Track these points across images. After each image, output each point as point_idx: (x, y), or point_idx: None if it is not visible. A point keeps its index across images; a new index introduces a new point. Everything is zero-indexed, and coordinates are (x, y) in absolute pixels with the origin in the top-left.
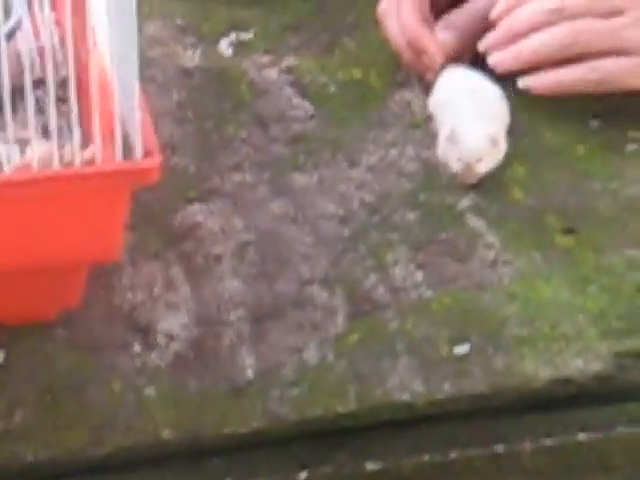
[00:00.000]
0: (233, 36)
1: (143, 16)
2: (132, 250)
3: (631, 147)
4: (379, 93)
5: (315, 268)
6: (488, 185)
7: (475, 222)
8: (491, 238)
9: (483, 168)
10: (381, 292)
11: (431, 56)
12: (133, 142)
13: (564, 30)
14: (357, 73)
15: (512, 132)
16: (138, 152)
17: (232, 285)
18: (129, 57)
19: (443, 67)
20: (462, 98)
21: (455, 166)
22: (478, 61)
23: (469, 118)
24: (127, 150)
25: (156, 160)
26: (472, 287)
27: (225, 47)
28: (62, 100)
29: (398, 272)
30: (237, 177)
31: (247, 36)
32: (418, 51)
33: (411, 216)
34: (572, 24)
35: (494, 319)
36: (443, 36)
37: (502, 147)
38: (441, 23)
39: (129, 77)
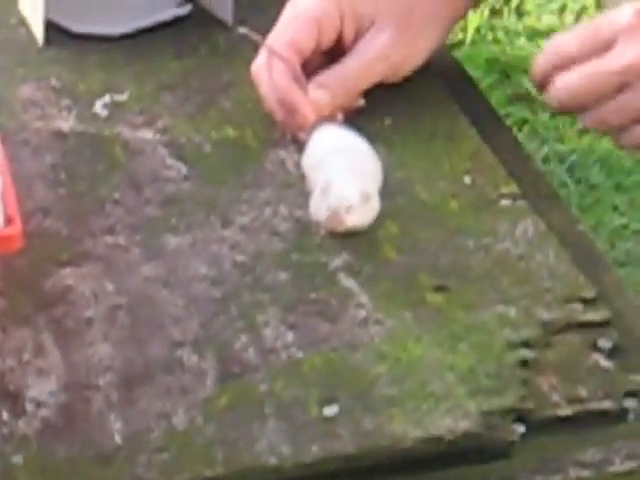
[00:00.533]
0: (108, 97)
1: (18, 78)
2: (2, 316)
3: (504, 203)
4: (254, 152)
5: (186, 331)
6: (361, 244)
7: (347, 282)
8: (363, 298)
9: (352, 220)
10: (251, 354)
11: (303, 115)
12: None
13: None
14: (232, 132)
15: (385, 191)
16: None
17: (102, 349)
18: None
19: (315, 126)
20: (334, 156)
21: (324, 215)
22: (350, 120)
23: (341, 174)
24: None
25: (17, 228)
26: (343, 347)
27: (100, 108)
28: None
29: (269, 333)
30: (109, 240)
31: (122, 97)
32: (290, 110)
33: (283, 276)
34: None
35: (364, 379)
36: (315, 95)
37: (374, 205)
38: (313, 82)
39: None
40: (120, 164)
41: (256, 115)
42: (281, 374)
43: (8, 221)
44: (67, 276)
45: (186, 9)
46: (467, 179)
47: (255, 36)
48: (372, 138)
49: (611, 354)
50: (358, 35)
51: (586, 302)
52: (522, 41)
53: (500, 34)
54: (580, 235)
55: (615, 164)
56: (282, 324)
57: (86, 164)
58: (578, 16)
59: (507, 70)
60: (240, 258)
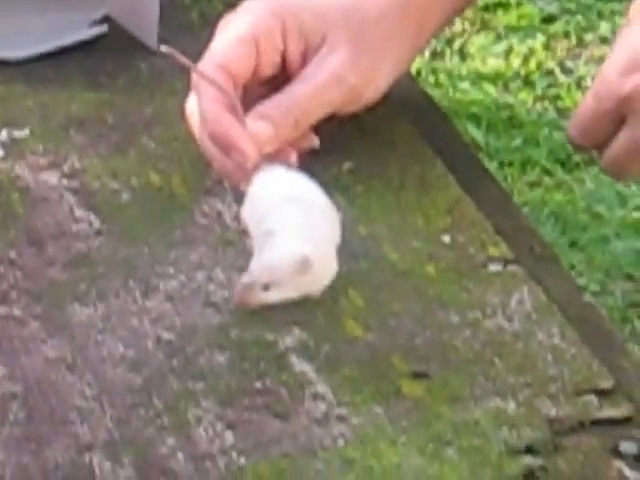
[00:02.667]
0: (4, 133)
1: None
2: None
3: (494, 267)
4: (183, 203)
5: (97, 429)
6: (317, 318)
7: (301, 366)
8: (321, 387)
9: (272, 296)
10: (180, 461)
11: (241, 152)
12: None
13: None
14: (156, 178)
15: (346, 251)
16: None
17: None
18: None
19: (257, 166)
20: (282, 207)
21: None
22: (302, 163)
23: (288, 232)
24: None
25: None
26: (297, 452)
27: None
28: None
29: (202, 433)
30: (2, 310)
31: (22, 133)
32: (225, 146)
33: (220, 359)
34: None
35: None
36: (254, 127)
37: (325, 269)
38: (253, 113)
39: None
40: (18, 215)
41: (185, 157)
42: None
43: None
44: None
45: (101, 29)
46: (446, 238)
47: (181, 58)
48: (328, 186)
49: (637, 460)
50: (306, 57)
51: (602, 394)
52: (465, 85)
53: (442, 77)
54: (587, 308)
55: (570, 219)
56: (219, 421)
57: None
58: (525, 59)
59: (450, 115)
60: (166, 335)
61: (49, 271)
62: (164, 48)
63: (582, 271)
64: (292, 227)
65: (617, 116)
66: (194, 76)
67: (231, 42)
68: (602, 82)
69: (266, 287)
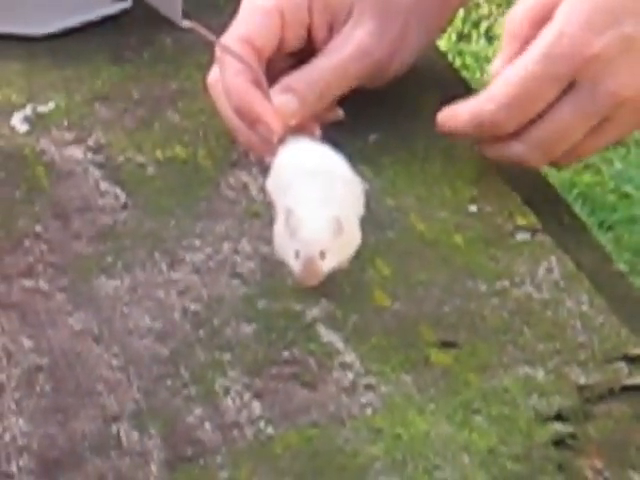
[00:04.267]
0: (29, 108)
1: None
2: None
3: (521, 236)
4: (209, 175)
5: (124, 400)
6: (345, 289)
7: (328, 336)
8: (349, 356)
9: (328, 264)
10: (208, 431)
11: (266, 125)
12: None
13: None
14: (181, 151)
15: (373, 222)
16: None
17: (16, 424)
18: None
19: (283, 140)
20: (304, 179)
21: (293, 263)
22: (327, 136)
23: (310, 204)
24: None
25: None
26: (325, 421)
27: (19, 122)
28: None
29: (230, 403)
30: (28, 284)
31: (46, 108)
32: (250, 120)
33: (247, 329)
34: None
35: (354, 464)
36: (280, 100)
37: (352, 237)
38: (278, 86)
39: None
40: (43, 189)
41: (211, 130)
42: (246, 457)
43: None
44: None
45: (126, 4)
46: (473, 207)
47: (204, 32)
48: (354, 158)
49: None
50: (332, 31)
51: (632, 361)
52: None
53: (469, 60)
54: (616, 276)
55: (598, 199)
56: (247, 391)
57: (0, 189)
58: None
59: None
60: (192, 306)
61: (75, 244)
62: (187, 23)
63: (611, 251)
64: (316, 198)
65: (564, 84)
66: (217, 50)
67: (255, 15)
68: (559, 40)
69: (322, 255)
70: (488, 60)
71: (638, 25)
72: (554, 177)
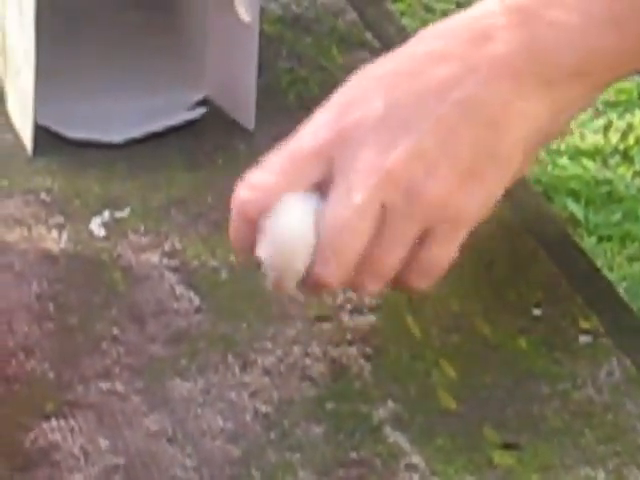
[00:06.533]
0: (106, 214)
1: (1, 192)
2: None
3: (583, 339)
4: None
5: None
6: (411, 390)
7: (395, 437)
8: (415, 457)
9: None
10: None
11: None
12: None
13: None
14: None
15: (439, 325)
16: None
17: None
18: None
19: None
20: None
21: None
22: None
23: None
24: None
25: None
26: None
27: (97, 227)
28: None
29: None
30: (105, 385)
31: (123, 214)
32: None
33: (316, 430)
34: None
35: None
36: None
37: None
38: None
39: None
40: (120, 293)
41: None
42: None
43: None
44: (52, 430)
45: (199, 113)
46: (536, 311)
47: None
48: None
49: None
50: None
51: None
52: (564, 160)
53: (541, 153)
54: None
55: None
56: None
57: (79, 293)
58: (624, 134)
59: (549, 191)
60: (263, 408)
61: (150, 347)
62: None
63: None
64: None
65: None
66: None
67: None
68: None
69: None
70: (560, 153)
71: None
72: (625, 270)
